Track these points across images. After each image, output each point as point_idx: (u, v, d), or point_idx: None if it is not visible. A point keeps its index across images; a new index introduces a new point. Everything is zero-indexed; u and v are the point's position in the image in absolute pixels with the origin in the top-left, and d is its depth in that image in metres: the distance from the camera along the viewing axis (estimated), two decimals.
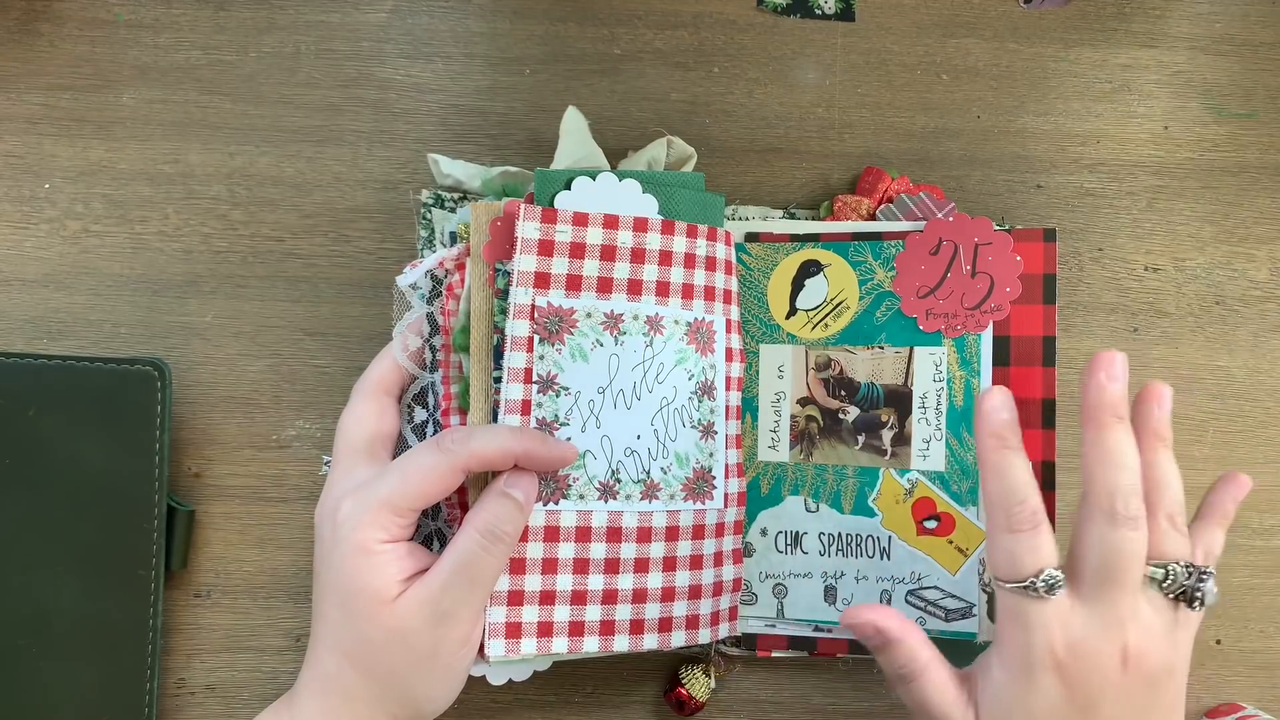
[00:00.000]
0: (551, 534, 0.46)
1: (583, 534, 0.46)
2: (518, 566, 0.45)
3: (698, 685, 0.52)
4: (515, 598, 0.45)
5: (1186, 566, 0.43)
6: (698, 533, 0.48)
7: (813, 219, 0.54)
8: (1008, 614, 0.43)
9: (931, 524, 0.51)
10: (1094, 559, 0.42)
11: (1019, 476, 0.43)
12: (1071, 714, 0.42)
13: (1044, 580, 0.42)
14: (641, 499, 0.47)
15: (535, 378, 0.46)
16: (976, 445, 0.44)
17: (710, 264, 0.49)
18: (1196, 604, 0.43)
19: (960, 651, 0.51)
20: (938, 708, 0.44)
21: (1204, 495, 0.47)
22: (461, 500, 0.47)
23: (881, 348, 0.52)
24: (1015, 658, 0.42)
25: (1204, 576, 0.43)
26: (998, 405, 0.44)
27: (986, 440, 0.43)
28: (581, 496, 0.46)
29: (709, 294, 0.49)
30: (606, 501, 0.46)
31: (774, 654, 0.53)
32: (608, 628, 0.46)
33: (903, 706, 0.54)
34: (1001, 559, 0.43)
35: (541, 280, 0.46)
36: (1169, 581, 0.42)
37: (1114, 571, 0.42)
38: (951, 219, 0.52)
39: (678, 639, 0.48)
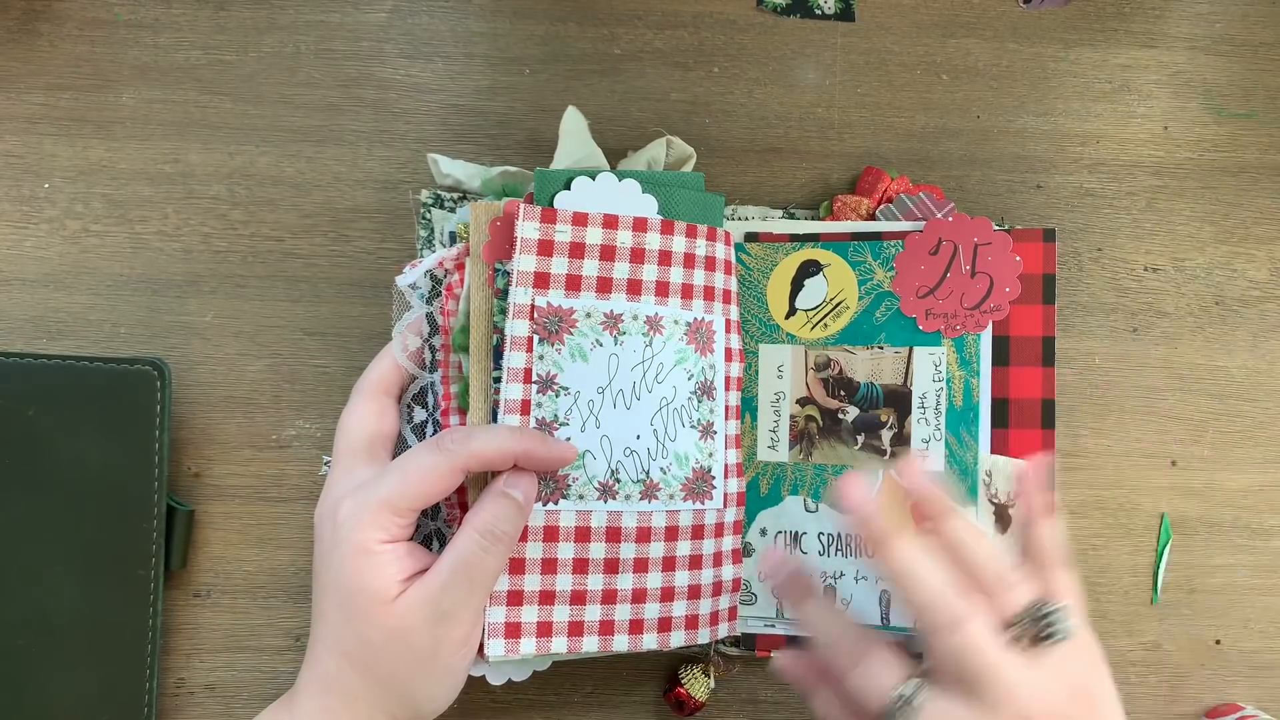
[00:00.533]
0: (551, 534, 0.46)
1: (582, 534, 0.46)
2: (517, 566, 0.45)
3: (697, 685, 0.52)
4: (514, 598, 0.45)
5: (1028, 614, 0.40)
6: (697, 533, 0.48)
7: (812, 219, 0.54)
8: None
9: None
10: (953, 670, 0.40)
11: (927, 576, 0.41)
12: None
13: (900, 696, 0.40)
14: (641, 499, 0.47)
15: (535, 378, 0.46)
16: (866, 544, 0.42)
17: (710, 264, 0.49)
18: (1057, 638, 0.40)
19: None
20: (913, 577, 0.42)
21: (1023, 537, 0.45)
22: (461, 500, 0.47)
23: (881, 348, 0.52)
24: None
25: (1047, 614, 0.40)
26: (860, 500, 0.41)
27: (875, 543, 0.41)
28: (581, 496, 0.46)
29: (708, 294, 0.49)
30: (606, 501, 0.46)
31: (774, 654, 0.53)
32: (607, 628, 0.46)
33: None
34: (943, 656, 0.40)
35: (541, 280, 0.46)
36: (1020, 639, 0.40)
37: (973, 669, 0.39)
38: (951, 219, 0.52)
39: (677, 639, 0.48)
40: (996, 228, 0.51)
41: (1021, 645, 0.40)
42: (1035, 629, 0.40)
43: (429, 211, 0.52)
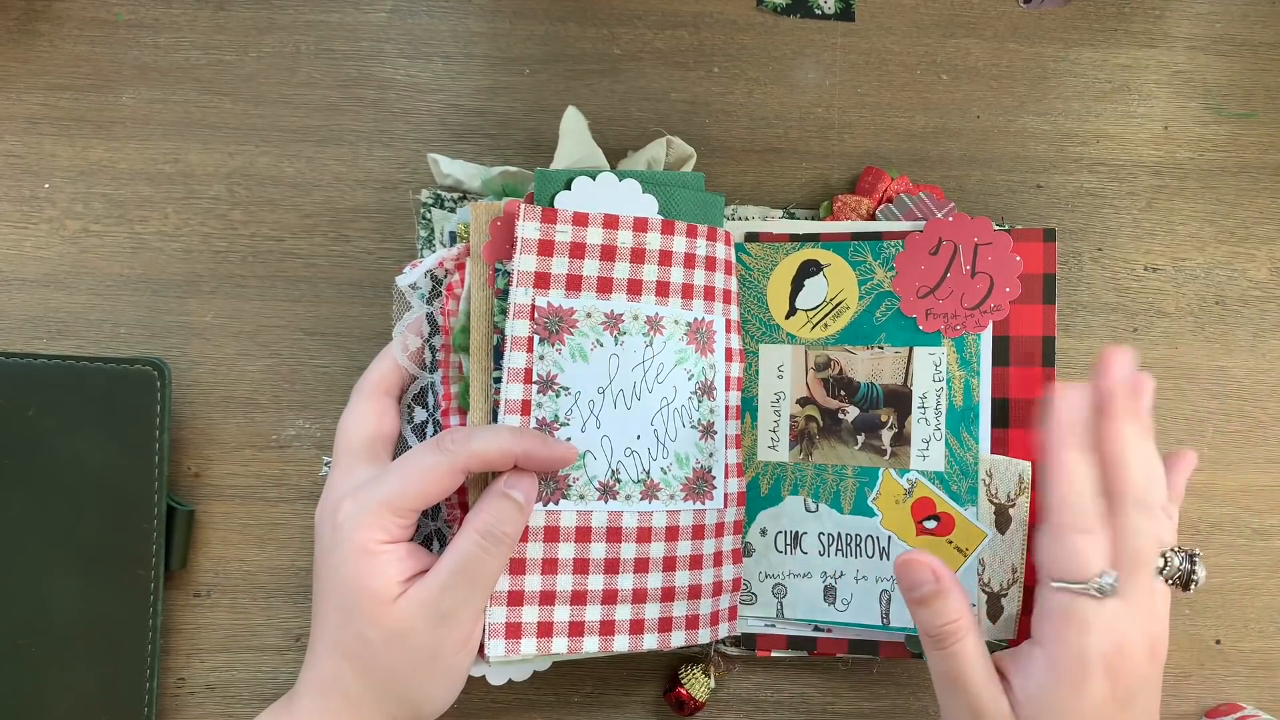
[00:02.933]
0: (551, 534, 0.46)
1: (583, 534, 0.46)
2: (518, 567, 0.45)
3: (698, 685, 0.52)
4: (515, 598, 0.45)
5: (1178, 551, 0.43)
6: (697, 533, 0.48)
7: (812, 219, 0.54)
8: (1060, 614, 0.42)
9: (931, 524, 0.51)
10: (1128, 550, 0.42)
11: (1087, 477, 0.42)
12: (1114, 710, 0.41)
13: (1106, 581, 0.41)
14: (641, 499, 0.47)
15: (535, 378, 0.46)
16: (1044, 439, 0.43)
17: (710, 264, 0.49)
18: (1192, 586, 0.43)
19: None
20: (970, 681, 0.43)
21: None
22: (461, 500, 0.47)
23: (881, 348, 0.52)
24: (1069, 659, 0.41)
25: (1195, 559, 0.43)
26: (1075, 404, 0.43)
27: (1057, 436, 0.43)
28: (581, 497, 0.46)
29: (709, 294, 0.49)
30: (606, 502, 0.46)
31: (773, 654, 0.53)
32: (608, 628, 0.46)
33: (903, 707, 0.54)
34: (1063, 557, 0.42)
35: (541, 280, 0.46)
36: (1167, 568, 0.43)
37: (1145, 561, 0.42)
38: (951, 219, 0.52)
39: (677, 639, 0.48)
40: (996, 228, 0.51)
41: (1166, 577, 0.43)
42: (1184, 570, 0.43)
43: (429, 211, 0.52)
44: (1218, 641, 0.55)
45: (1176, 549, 0.43)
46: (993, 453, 0.51)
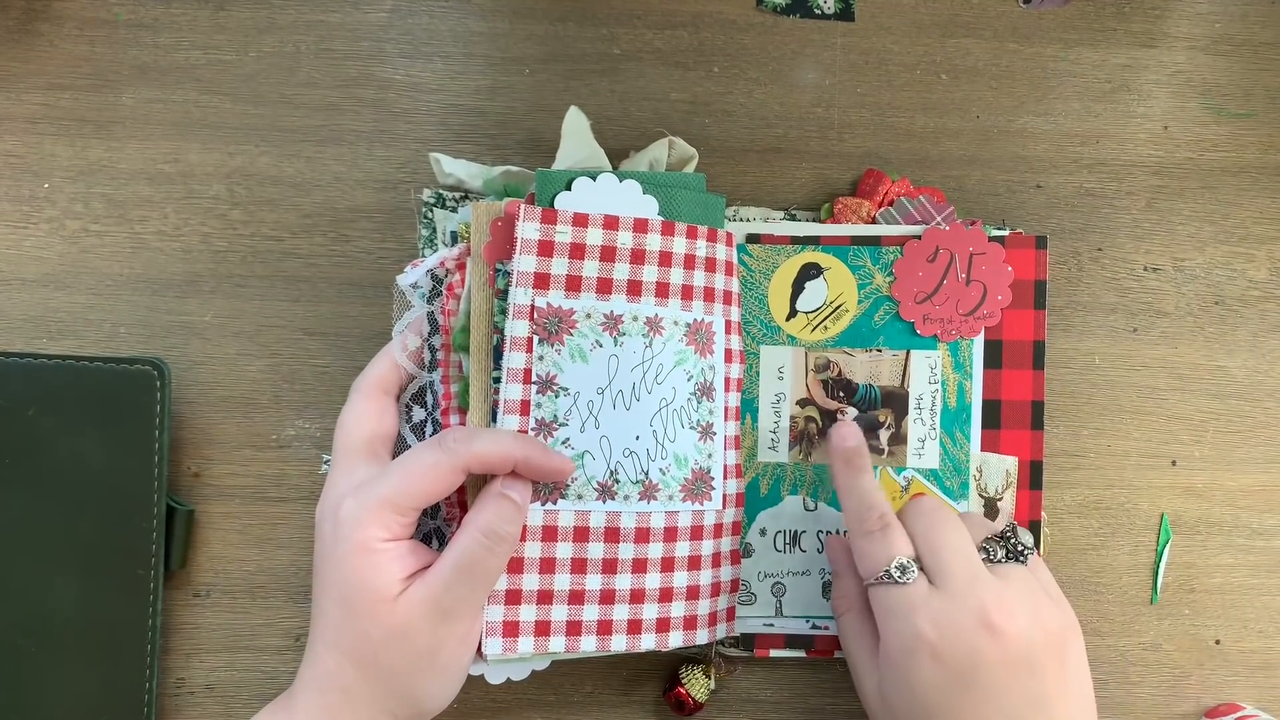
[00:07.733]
0: (549, 534, 0.46)
1: (580, 534, 0.46)
2: (515, 566, 0.45)
3: (697, 685, 0.52)
4: (513, 597, 0.45)
5: (999, 539, 0.46)
6: (696, 534, 0.48)
7: (813, 220, 0.54)
8: (880, 608, 0.45)
9: None
10: (926, 544, 0.45)
11: (867, 489, 0.47)
12: (954, 691, 0.43)
13: (896, 566, 0.44)
14: (640, 500, 0.47)
15: (534, 378, 0.46)
16: (830, 470, 0.48)
17: (710, 265, 0.49)
18: (1029, 555, 0.45)
19: None
20: (849, 653, 0.48)
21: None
22: (460, 500, 0.47)
23: (879, 350, 0.52)
24: (892, 646, 0.44)
25: (1011, 539, 0.46)
26: (845, 435, 0.48)
27: (837, 464, 0.48)
28: (580, 497, 0.46)
29: (708, 295, 0.49)
30: (605, 502, 0.46)
31: (772, 653, 0.53)
32: (605, 628, 0.46)
33: None
34: (862, 560, 0.46)
35: (541, 281, 0.46)
36: (992, 556, 0.45)
37: (943, 550, 0.45)
38: (948, 227, 0.52)
39: (675, 640, 0.48)
40: (997, 230, 0.52)
41: (995, 561, 0.45)
42: (1007, 550, 0.46)
43: (431, 211, 0.52)
44: (1218, 641, 0.55)
45: (998, 537, 0.46)
46: (983, 450, 0.52)
